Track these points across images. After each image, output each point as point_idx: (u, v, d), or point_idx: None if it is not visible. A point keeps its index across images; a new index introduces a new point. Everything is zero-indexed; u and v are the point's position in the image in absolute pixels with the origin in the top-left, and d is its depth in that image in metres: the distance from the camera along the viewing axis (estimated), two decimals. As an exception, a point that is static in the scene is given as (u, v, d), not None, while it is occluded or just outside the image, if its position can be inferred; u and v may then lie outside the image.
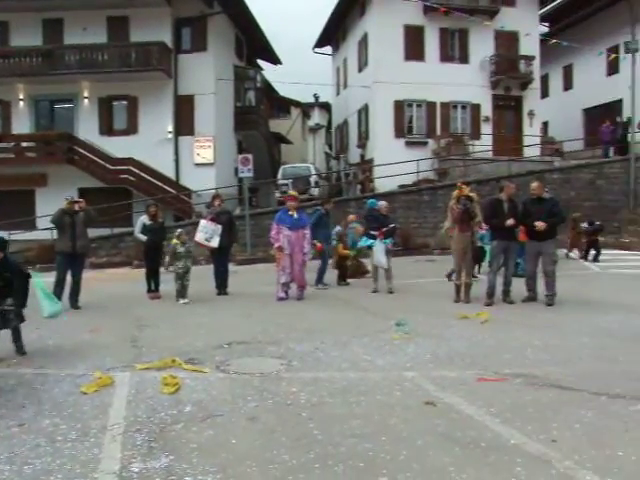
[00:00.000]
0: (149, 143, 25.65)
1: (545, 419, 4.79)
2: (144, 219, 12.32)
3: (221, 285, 12.47)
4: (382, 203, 12.92)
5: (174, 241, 11.64)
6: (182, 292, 11.61)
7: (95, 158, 25.36)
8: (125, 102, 26.67)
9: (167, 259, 11.71)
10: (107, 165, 25.34)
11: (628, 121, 25.37)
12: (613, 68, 29.51)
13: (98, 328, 9.08)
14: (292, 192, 13.05)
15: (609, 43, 29.04)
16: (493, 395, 5.41)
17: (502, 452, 4.15)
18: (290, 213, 11.73)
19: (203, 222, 12.35)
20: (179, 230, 12.08)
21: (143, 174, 25.17)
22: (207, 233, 12.11)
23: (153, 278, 12.40)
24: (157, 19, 25.66)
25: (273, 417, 5.03)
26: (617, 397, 5.30)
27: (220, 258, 12.56)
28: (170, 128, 26.41)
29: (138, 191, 24.76)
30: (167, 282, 13.39)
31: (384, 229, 12.07)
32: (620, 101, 28.05)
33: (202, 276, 13.19)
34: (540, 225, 10.04)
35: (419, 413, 5.01)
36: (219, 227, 12.13)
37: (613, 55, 28.24)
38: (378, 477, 3.84)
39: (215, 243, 12.12)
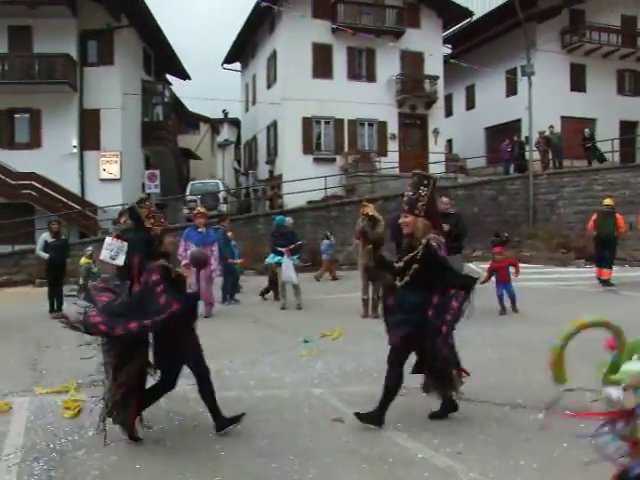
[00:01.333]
0: (53, 157, 24.70)
1: (451, 432, 4.88)
2: (46, 236, 11.86)
3: (127, 304, 12.06)
4: (288, 219, 13.01)
5: (84, 260, 11.24)
6: None
7: (-6, 172, 24.21)
8: (28, 115, 25.62)
9: (81, 280, 11.26)
10: (8, 180, 24.21)
11: (526, 140, 26.57)
12: (512, 90, 30.95)
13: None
14: (200, 209, 12.89)
15: (508, 65, 30.45)
16: (400, 410, 5.45)
17: (410, 467, 4.19)
18: (200, 230, 11.69)
19: (108, 239, 11.94)
20: (89, 249, 11.70)
21: (46, 189, 24.20)
22: (112, 251, 11.71)
23: (56, 297, 11.90)
24: (62, 30, 24.79)
25: (179, 439, 4.90)
26: (519, 407, 5.47)
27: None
28: (75, 142, 25.55)
29: (41, 207, 23.77)
30: (67, 300, 12.93)
31: (291, 246, 12.14)
32: (519, 121, 29.35)
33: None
34: (446, 227, 10.26)
35: (327, 430, 5.00)
36: (124, 244, 11.76)
37: (510, 76, 29.68)
38: (286, 498, 3.79)
39: (120, 261, 11.73)
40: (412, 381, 6.36)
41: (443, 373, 5.13)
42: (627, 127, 31.47)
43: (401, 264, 5.05)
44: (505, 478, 3.96)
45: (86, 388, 6.50)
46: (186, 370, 7.13)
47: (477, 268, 17.99)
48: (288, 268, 11.95)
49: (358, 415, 5.06)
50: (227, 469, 4.26)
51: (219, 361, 7.60)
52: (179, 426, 5.22)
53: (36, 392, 6.34)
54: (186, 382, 6.58)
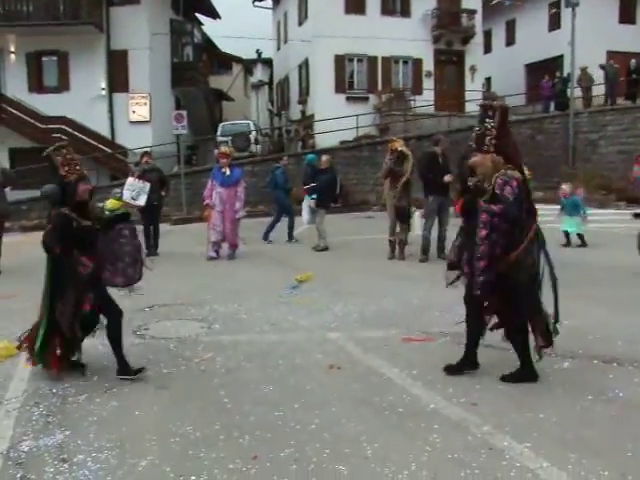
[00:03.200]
0: (82, 100, 24.46)
1: (468, 381, 4.61)
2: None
3: (151, 246, 12.00)
4: (324, 157, 12.65)
5: (113, 202, 11.14)
6: None
7: (25, 117, 24.11)
8: (55, 57, 25.24)
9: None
10: (38, 124, 24.08)
11: (568, 77, 25.43)
12: (555, 24, 29.50)
13: (14, 294, 8.55)
14: (224, 149, 12.56)
15: (552, -2, 28.99)
16: (417, 356, 5.22)
17: (420, 418, 3.94)
18: (223, 170, 11.42)
19: (130, 180, 11.77)
20: (117, 190, 11.56)
21: (76, 133, 24.00)
22: (133, 191, 11.49)
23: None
24: (86, -32, 24.25)
25: (183, 385, 4.73)
26: (545, 355, 5.14)
27: (150, 217, 12.03)
28: (103, 85, 25.23)
29: (71, 150, 23.70)
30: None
31: (306, 187, 11.98)
32: (561, 57, 28.03)
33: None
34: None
35: (337, 377, 4.78)
36: (147, 185, 11.52)
37: (554, 10, 28.29)
38: (284, 449, 3.58)
39: (142, 201, 11.50)
40: (430, 326, 6.12)
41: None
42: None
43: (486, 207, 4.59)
44: (521, 432, 3.68)
45: (98, 331, 6.38)
46: (201, 312, 7.04)
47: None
48: (304, 208, 11.81)
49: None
50: (228, 417, 4.07)
51: (236, 303, 7.46)
52: (185, 371, 5.04)
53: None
54: (199, 325, 6.48)
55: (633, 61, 25.94)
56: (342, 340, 5.77)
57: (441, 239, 10.30)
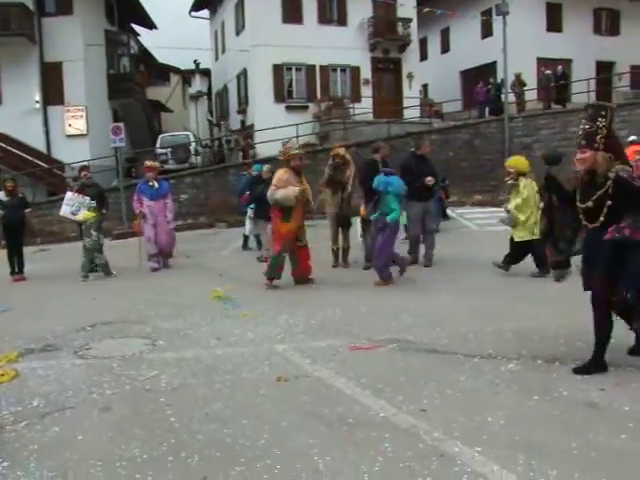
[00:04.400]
0: (15, 114, 23.74)
1: (417, 387, 4.62)
2: (1, 195, 11.34)
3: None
4: (265, 167, 12.67)
5: (88, 214, 11.06)
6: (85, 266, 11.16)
7: (-47, 132, 23.32)
8: (-15, 70, 24.58)
9: (92, 236, 11.12)
10: (-32, 139, 23.37)
11: (501, 82, 26.07)
12: (487, 31, 30.25)
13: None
14: (149, 162, 12.61)
15: (483, 6, 29.73)
16: (365, 364, 5.21)
17: (370, 428, 3.92)
18: (150, 184, 11.74)
19: (69, 194, 11.52)
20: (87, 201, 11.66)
21: (9, 147, 23.36)
22: (73, 206, 11.28)
23: (16, 258, 11.48)
24: (16, -22, 23.59)
25: (128, 406, 4.59)
26: (490, 357, 5.23)
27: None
28: (37, 98, 24.62)
29: (5, 166, 22.83)
30: (32, 262, 12.53)
31: (245, 195, 12.44)
32: (494, 63, 28.76)
33: (73, 253, 12.40)
34: (429, 180, 9.97)
35: (286, 390, 4.72)
36: (86, 199, 11.32)
37: (485, 18, 28.98)
38: (234, 467, 3.51)
39: (81, 217, 11.33)
40: (377, 334, 6.14)
41: None
42: (603, 67, 30.96)
43: (590, 204, 4.67)
44: (471, 437, 3.70)
45: (38, 353, 6.19)
46: (145, 329, 6.89)
47: (452, 213, 17.78)
48: (247, 219, 11.94)
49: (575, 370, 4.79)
50: (176, 436, 3.97)
51: (181, 318, 7.33)
52: (130, 391, 4.90)
53: (-23, 360, 5.98)
54: (142, 342, 6.34)
55: (560, 67, 26.89)
56: (289, 352, 5.72)
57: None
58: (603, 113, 4.67)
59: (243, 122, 28.62)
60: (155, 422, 4.24)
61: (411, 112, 27.45)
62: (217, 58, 34.27)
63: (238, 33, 28.68)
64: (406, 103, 27.84)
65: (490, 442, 3.64)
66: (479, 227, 15.76)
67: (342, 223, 10.35)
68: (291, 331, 6.47)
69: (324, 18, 26.90)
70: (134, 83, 29.44)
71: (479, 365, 5.05)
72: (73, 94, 24.72)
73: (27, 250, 12.22)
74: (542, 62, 28.26)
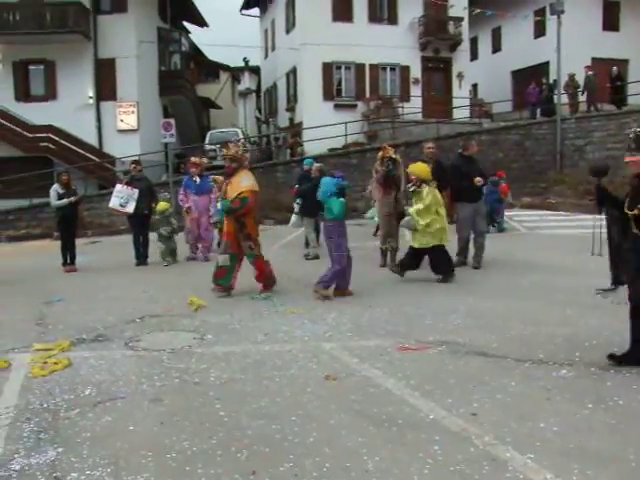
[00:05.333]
0: (69, 109, 24.36)
1: (466, 390, 4.56)
2: (56, 187, 11.61)
3: (140, 255, 11.91)
4: (315, 165, 12.73)
5: (163, 205, 11.75)
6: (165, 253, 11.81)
7: (12, 126, 23.96)
8: (42, 66, 25.20)
9: (163, 231, 11.81)
10: (25, 133, 23.98)
11: (554, 83, 25.58)
12: (540, 31, 29.68)
13: (2, 305, 8.45)
14: (194, 159, 12.93)
15: (536, 5, 29.20)
16: (414, 365, 5.16)
17: (420, 429, 3.89)
18: (194, 179, 12.20)
19: (118, 187, 11.76)
20: (165, 193, 12.40)
21: (64, 142, 23.96)
22: (122, 198, 11.50)
23: (69, 250, 11.74)
24: (73, -23, 24.13)
25: (178, 398, 4.65)
26: (541, 363, 5.13)
27: (139, 227, 11.98)
28: (91, 93, 25.20)
29: (59, 159, 23.46)
30: (83, 254, 12.79)
31: (295, 188, 12.52)
32: (547, 63, 28.22)
33: (122, 245, 12.64)
34: (479, 180, 9.86)
35: (334, 388, 4.71)
36: (135, 191, 11.52)
37: (539, 18, 28.46)
38: (283, 463, 3.52)
39: (130, 208, 11.53)
40: (426, 335, 6.08)
41: None
42: (661, 68, 30.08)
43: (636, 211, 4.62)
44: (523, 443, 3.63)
45: (89, 343, 6.31)
46: (193, 323, 6.96)
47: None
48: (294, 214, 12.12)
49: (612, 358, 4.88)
50: (225, 431, 4.00)
51: (228, 313, 7.38)
52: (179, 383, 4.96)
53: (34, 348, 6.12)
54: (191, 336, 6.41)
55: (614, 68, 26.22)
56: (337, 350, 5.71)
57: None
58: None
59: (292, 120, 28.72)
60: (204, 415, 4.28)
61: (461, 112, 27.19)
62: (267, 56, 34.48)
63: (288, 31, 28.80)
64: (456, 103, 27.59)
65: (543, 449, 3.57)
66: (528, 230, 15.50)
67: (395, 222, 10.25)
68: (339, 329, 6.46)
69: (374, 16, 26.84)
70: (184, 80, 29.83)
71: (530, 370, 4.96)
72: (125, 90, 25.23)
73: (79, 242, 12.47)
74: (597, 62, 27.60)
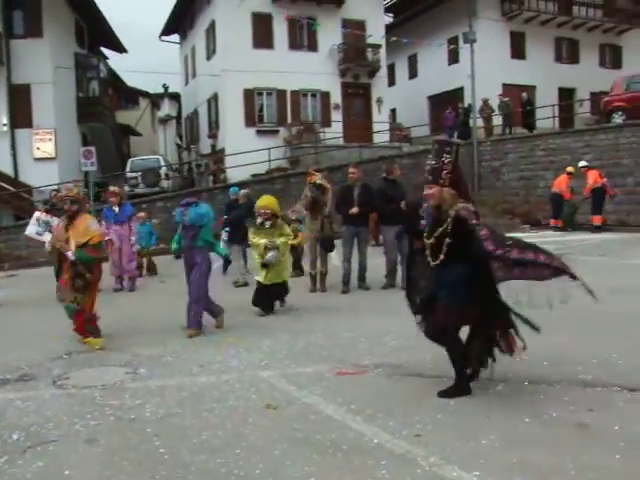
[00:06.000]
0: (-19, 136, 23.45)
1: (408, 412, 4.61)
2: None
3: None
4: (241, 192, 12.80)
5: None
6: None
7: None
8: (-48, 91, 24.25)
9: None
10: None
11: (469, 107, 26.53)
12: (454, 58, 30.88)
13: None
14: (112, 188, 12.96)
15: (450, 34, 30.34)
16: (353, 390, 5.17)
17: (365, 454, 3.89)
18: (113, 208, 12.14)
19: (37, 214, 11.28)
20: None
21: (-25, 171, 23.05)
22: (39, 226, 11.01)
23: None
24: (-17, 0, 23.42)
25: (115, 437, 4.48)
26: (479, 379, 5.24)
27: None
28: (5, 120, 24.35)
29: (-30, 190, 22.60)
30: (1, 288, 12.28)
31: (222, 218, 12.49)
32: (461, 89, 29.37)
33: (42, 278, 12.16)
34: (404, 204, 9.98)
35: (275, 417, 4.66)
36: (54, 219, 11.12)
37: (452, 46, 29.57)
38: (230, 498, 3.45)
39: (47, 237, 11.11)
40: (362, 358, 6.11)
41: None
42: (565, 93, 31.80)
43: (432, 240, 4.71)
44: (467, 461, 3.69)
45: (14, 384, 6.02)
46: (124, 356, 6.76)
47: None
48: (221, 242, 12.03)
49: (440, 394, 4.84)
50: (167, 468, 3.88)
51: (160, 345, 7.21)
52: (114, 421, 4.79)
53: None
54: (123, 371, 6.22)
55: (524, 94, 27.57)
56: (274, 378, 5.67)
57: (361, 269, 10.41)
58: (448, 149, 4.78)
59: (214, 146, 28.60)
60: (144, 454, 4.14)
61: (381, 136, 27.80)
62: (187, 82, 34.30)
63: (209, 58, 28.79)
64: (376, 128, 28.19)
65: (487, 466, 3.64)
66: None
67: (325, 246, 10.30)
68: (275, 357, 6.41)
69: (295, 43, 27.20)
70: (103, 107, 29.27)
71: (467, 389, 5.06)
72: (42, 117, 24.54)
73: (-4, 275, 11.98)
74: (507, 88, 28.89)
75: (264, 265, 8.62)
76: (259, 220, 8.74)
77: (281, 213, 9.02)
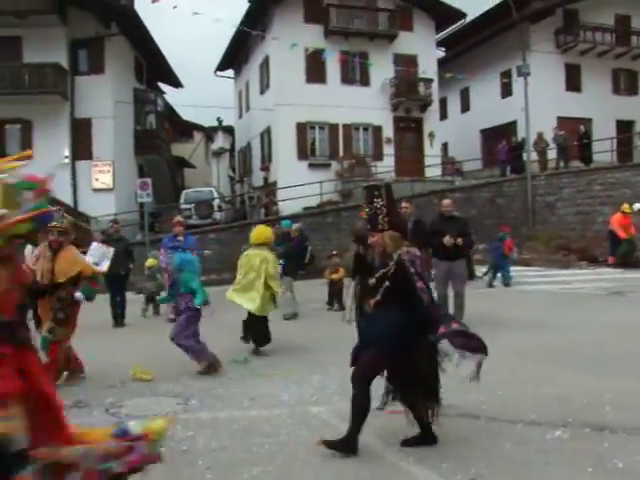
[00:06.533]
0: (45, 168, 23.43)
1: (461, 454, 4.49)
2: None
3: (117, 315, 11.74)
4: (294, 226, 12.94)
5: (152, 261, 12.96)
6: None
7: (-16, 186, 23.75)
8: (18, 125, 25.24)
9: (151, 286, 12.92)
10: (0, 194, 23.75)
11: (522, 141, 26.26)
12: (507, 91, 30.68)
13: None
14: (178, 218, 13.03)
15: (502, 67, 30.28)
16: (405, 430, 5.06)
17: (419, 498, 3.80)
18: (179, 238, 11.97)
19: (94, 244, 11.57)
20: (154, 252, 12.51)
21: (36, 201, 23.75)
22: (95, 257, 11.28)
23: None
24: (52, 39, 24.39)
25: (165, 467, 4.45)
26: (533, 424, 5.08)
27: (116, 287, 11.85)
28: (67, 152, 25.19)
29: (31, 220, 23.26)
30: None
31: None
32: (514, 122, 29.09)
33: (97, 306, 12.37)
34: (448, 240, 9.84)
35: (326, 455, 4.59)
36: (110, 250, 11.35)
37: (506, 80, 29.45)
38: (281, 537, 3.40)
39: (104, 267, 11.34)
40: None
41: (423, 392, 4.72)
42: (623, 126, 31.13)
43: (373, 280, 4.67)
44: (524, 509, 3.57)
45: (68, 410, 6.09)
46: (176, 387, 6.81)
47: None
48: None
49: (326, 443, 4.60)
50: (217, 503, 3.87)
51: (212, 376, 7.24)
52: (166, 452, 4.77)
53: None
54: (174, 402, 6.25)
55: (582, 127, 27.09)
56: (325, 414, 5.62)
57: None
58: (377, 193, 4.64)
59: (266, 179, 28.96)
60: (197, 488, 4.14)
61: (433, 170, 27.69)
62: (241, 116, 34.96)
63: (262, 92, 29.32)
64: (427, 161, 28.12)
65: (547, 516, 3.50)
66: (506, 286, 15.61)
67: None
68: (325, 392, 6.37)
69: (347, 78, 27.50)
70: (160, 139, 30.04)
71: (524, 432, 4.91)
72: (101, 149, 25.32)
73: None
74: (562, 121, 28.49)
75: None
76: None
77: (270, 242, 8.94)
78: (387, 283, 4.55)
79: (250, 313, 8.63)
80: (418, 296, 4.41)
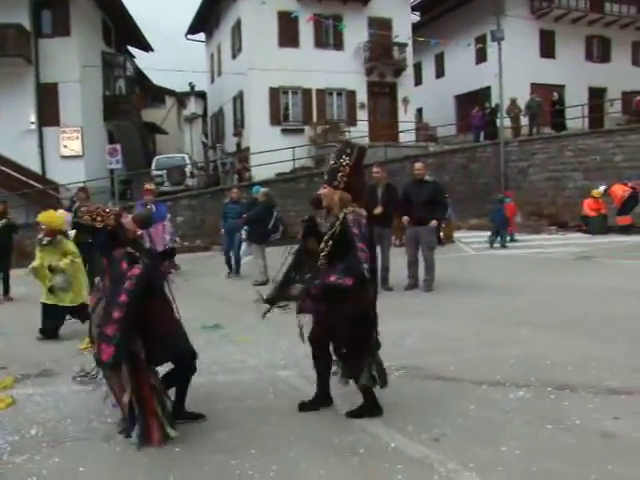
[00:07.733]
0: (10, 135, 23.62)
1: (427, 415, 4.53)
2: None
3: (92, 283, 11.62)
4: (260, 190, 12.72)
5: None
6: None
7: (-53, 152, 23.21)
8: (-19, 91, 24.55)
9: None
10: (-37, 159, 23.25)
11: (496, 107, 26.27)
12: (481, 57, 30.62)
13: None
14: (148, 185, 12.78)
15: (477, 32, 30.12)
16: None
17: (381, 458, 3.83)
18: (148, 207, 11.74)
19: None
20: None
21: (4, 168, 23.25)
22: None
23: (2, 281, 11.41)
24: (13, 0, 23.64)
25: (131, 435, 4.46)
26: (498, 384, 5.15)
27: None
28: (33, 118, 24.58)
29: (-1, 187, 22.85)
30: (25, 284, 12.36)
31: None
32: (489, 88, 29.07)
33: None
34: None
35: (293, 419, 4.61)
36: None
37: (480, 45, 29.32)
38: (244, 500, 3.40)
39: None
40: (384, 360, 6.02)
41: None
42: (596, 93, 31.32)
43: (323, 245, 4.57)
44: (486, 468, 3.61)
45: (34, 379, 6.05)
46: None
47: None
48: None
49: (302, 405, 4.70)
50: (182, 468, 3.85)
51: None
52: (132, 419, 4.77)
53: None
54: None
55: (555, 94, 27.12)
56: (293, 378, 5.62)
57: (383, 270, 10.27)
58: (348, 151, 4.58)
59: (239, 145, 28.67)
60: (159, 452, 4.12)
61: (407, 136, 27.60)
62: (213, 81, 34.44)
63: (234, 56, 28.85)
64: (401, 127, 28.01)
65: (507, 473, 3.55)
66: (476, 251, 15.74)
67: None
68: (293, 357, 6.35)
69: (320, 42, 27.13)
70: (130, 105, 29.44)
71: (488, 393, 4.96)
72: (69, 115, 24.70)
73: (19, 272, 12.08)
74: (536, 87, 28.49)
75: (50, 290, 8.07)
76: (39, 236, 8.27)
77: (63, 229, 8.31)
78: (330, 242, 4.49)
79: None
80: (356, 257, 4.32)
